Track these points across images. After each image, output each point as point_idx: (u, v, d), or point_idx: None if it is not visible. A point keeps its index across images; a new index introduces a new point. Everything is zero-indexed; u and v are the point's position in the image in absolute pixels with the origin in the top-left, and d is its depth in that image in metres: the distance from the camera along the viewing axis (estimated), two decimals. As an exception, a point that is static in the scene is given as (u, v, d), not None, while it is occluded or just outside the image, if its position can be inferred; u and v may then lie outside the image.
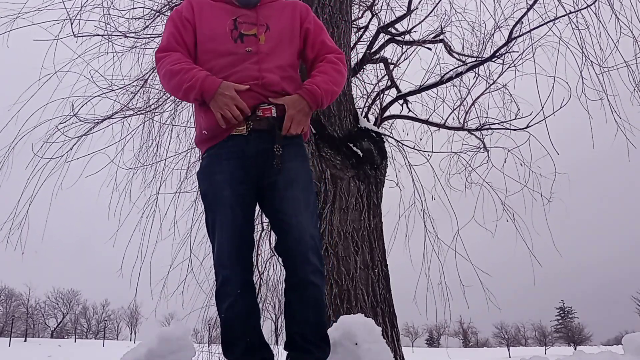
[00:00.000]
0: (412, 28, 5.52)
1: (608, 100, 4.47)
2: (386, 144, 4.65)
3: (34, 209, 5.03)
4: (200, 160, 2.13)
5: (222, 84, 1.94)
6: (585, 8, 4.50)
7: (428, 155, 5.25)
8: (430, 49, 5.62)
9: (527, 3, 4.68)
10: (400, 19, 5.46)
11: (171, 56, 2.04)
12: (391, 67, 5.63)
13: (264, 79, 2.01)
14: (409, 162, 5.35)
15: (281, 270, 5.89)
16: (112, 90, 5.48)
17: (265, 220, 6.11)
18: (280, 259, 2.17)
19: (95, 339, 73.73)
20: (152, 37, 5.83)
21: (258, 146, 1.99)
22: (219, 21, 2.11)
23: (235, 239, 1.97)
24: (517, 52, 4.88)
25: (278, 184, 1.99)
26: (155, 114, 5.88)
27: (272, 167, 1.97)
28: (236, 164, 1.99)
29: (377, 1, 5.68)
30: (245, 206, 2.00)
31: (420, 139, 5.43)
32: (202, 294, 5.51)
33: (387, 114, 5.25)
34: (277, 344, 4.98)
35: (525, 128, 4.69)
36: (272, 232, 6.00)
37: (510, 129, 4.88)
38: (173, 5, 5.66)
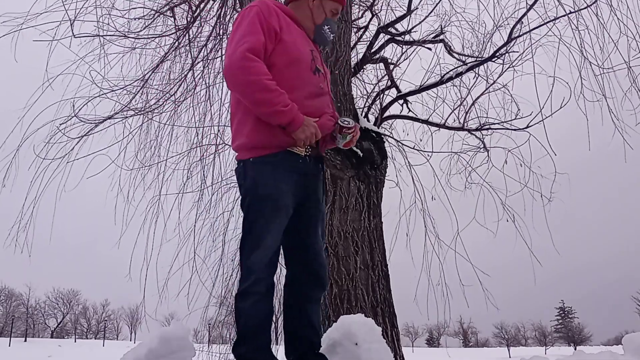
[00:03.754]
0: (412, 28, 5.52)
1: (606, 101, 4.48)
2: (386, 144, 4.65)
3: (36, 210, 5.05)
4: (250, 163, 2.13)
5: (306, 119, 2.09)
6: (585, 8, 4.50)
7: (428, 155, 5.24)
8: (430, 49, 5.62)
9: (527, 3, 4.68)
10: (400, 19, 5.46)
11: (262, 67, 2.03)
12: (391, 67, 5.63)
13: (335, 115, 2.26)
14: (409, 162, 5.35)
15: (281, 270, 5.88)
16: (113, 91, 5.49)
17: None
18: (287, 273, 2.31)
19: (95, 339, 73.63)
20: (152, 38, 5.83)
21: (313, 169, 2.21)
22: (302, 47, 2.20)
23: (279, 247, 2.12)
24: (517, 52, 4.88)
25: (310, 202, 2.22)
26: (155, 114, 5.89)
27: (316, 190, 2.22)
28: (297, 180, 2.13)
29: (377, 1, 5.68)
30: (290, 219, 2.15)
31: (420, 139, 5.43)
32: (202, 294, 5.51)
33: (387, 114, 5.24)
34: (276, 344, 4.98)
35: (525, 128, 4.68)
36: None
37: (510, 129, 4.87)
38: (173, 5, 5.66)
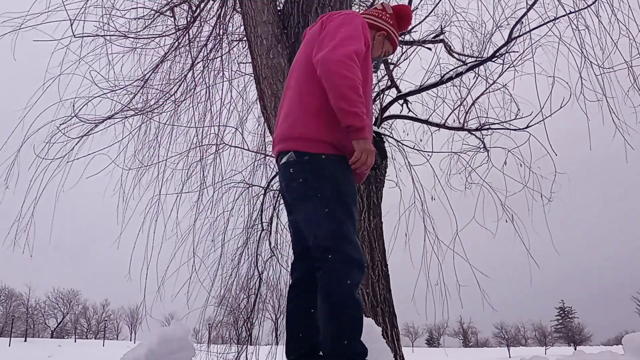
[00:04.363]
0: (412, 28, 5.51)
1: (607, 101, 4.48)
2: (386, 144, 4.65)
3: (36, 210, 5.05)
4: (322, 159, 2.12)
5: (369, 139, 2.13)
6: (585, 8, 4.51)
7: (428, 155, 5.25)
8: (430, 49, 5.62)
9: (527, 3, 4.69)
10: (400, 19, 5.44)
11: (359, 72, 2.12)
12: (391, 67, 5.62)
13: None
14: (409, 162, 5.36)
15: (280, 270, 5.90)
16: (113, 91, 5.49)
17: (265, 220, 6.12)
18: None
19: (95, 339, 73.67)
20: (152, 38, 5.84)
21: None
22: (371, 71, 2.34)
23: None
24: (517, 52, 4.88)
25: None
26: (155, 114, 5.89)
27: None
28: None
29: (376, 1, 5.67)
30: None
31: (421, 139, 5.43)
32: (201, 294, 5.52)
33: (387, 114, 5.24)
34: (277, 344, 4.98)
35: (525, 128, 4.68)
36: (271, 232, 6.03)
37: (510, 129, 4.87)
38: (173, 5, 5.66)
